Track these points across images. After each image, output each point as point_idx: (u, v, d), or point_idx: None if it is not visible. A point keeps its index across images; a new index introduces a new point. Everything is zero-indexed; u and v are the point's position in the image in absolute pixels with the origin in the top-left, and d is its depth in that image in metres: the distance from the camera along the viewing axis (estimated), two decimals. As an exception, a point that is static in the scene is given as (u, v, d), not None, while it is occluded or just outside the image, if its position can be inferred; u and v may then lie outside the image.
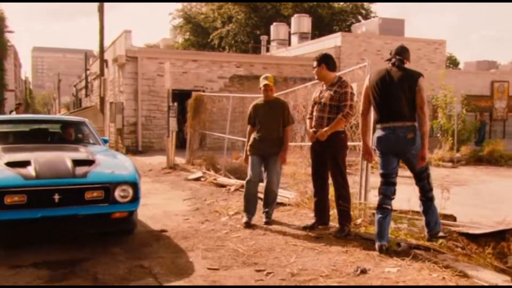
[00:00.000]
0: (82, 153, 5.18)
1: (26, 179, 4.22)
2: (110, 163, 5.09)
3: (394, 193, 4.53)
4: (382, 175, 4.55)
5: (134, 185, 4.56)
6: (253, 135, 5.81)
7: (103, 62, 20.06)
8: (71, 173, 4.39)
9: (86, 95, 29.16)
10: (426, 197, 4.65)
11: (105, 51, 20.47)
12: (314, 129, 5.22)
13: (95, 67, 25.04)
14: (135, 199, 4.57)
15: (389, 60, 4.62)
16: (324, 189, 5.38)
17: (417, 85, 4.38)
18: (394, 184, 4.52)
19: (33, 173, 4.30)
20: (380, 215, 4.48)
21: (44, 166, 4.43)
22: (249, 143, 5.81)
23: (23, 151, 5.15)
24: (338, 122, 5.02)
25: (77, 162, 4.62)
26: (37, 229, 4.33)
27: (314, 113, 5.26)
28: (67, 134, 6.48)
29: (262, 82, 5.71)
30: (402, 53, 4.63)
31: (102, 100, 20.16)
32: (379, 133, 4.53)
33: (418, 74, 4.49)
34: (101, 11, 19.65)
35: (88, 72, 28.99)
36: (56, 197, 4.24)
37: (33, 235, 4.46)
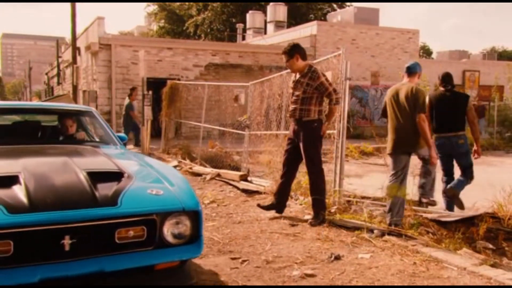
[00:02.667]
0: (100, 160, 3.42)
1: (11, 212, 2.39)
2: (148, 176, 3.21)
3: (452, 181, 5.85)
4: (443, 170, 5.92)
5: (196, 215, 2.81)
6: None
7: (75, 50, 19.62)
8: (91, 198, 2.60)
9: (58, 83, 28.53)
10: (466, 180, 5.78)
11: (77, 38, 20.00)
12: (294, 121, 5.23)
13: (67, 55, 24.50)
14: (196, 238, 2.82)
15: (443, 86, 5.90)
16: (289, 177, 5.42)
17: (468, 106, 5.74)
18: (452, 174, 5.90)
19: (23, 199, 2.50)
20: (446, 198, 5.85)
21: (43, 185, 2.64)
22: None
23: (5, 157, 3.32)
24: (332, 111, 5.12)
25: (96, 177, 2.83)
26: None
27: (290, 104, 5.27)
28: (67, 129, 4.55)
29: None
30: (451, 80, 5.93)
31: (75, 88, 19.75)
32: (438, 141, 5.74)
33: (467, 96, 5.95)
34: (72, -3, 19.16)
35: (60, 59, 28.34)
36: (67, 241, 2.44)
37: None
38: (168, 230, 2.72)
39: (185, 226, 2.77)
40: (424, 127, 4.77)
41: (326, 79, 5.08)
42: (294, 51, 5.07)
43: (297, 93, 5.12)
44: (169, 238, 2.72)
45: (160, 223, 2.68)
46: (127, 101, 12.83)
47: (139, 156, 4.08)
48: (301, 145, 5.13)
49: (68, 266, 2.44)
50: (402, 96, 4.88)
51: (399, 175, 4.85)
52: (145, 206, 2.69)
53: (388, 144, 5.02)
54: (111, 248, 2.57)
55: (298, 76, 5.18)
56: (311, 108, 5.06)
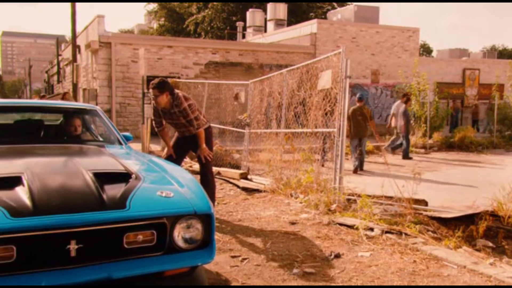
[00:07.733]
0: (106, 160, 3.29)
1: (14, 216, 2.26)
2: (156, 177, 3.09)
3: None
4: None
5: (208, 218, 2.67)
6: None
7: (75, 48, 19.63)
8: (98, 200, 2.47)
9: (59, 82, 28.55)
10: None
11: (77, 36, 20.02)
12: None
13: (67, 53, 24.51)
14: (208, 242, 2.68)
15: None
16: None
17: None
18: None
19: (27, 201, 2.37)
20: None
21: (47, 187, 2.52)
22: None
23: (7, 157, 3.20)
24: (200, 134, 5.23)
25: (102, 178, 2.70)
26: None
27: (175, 128, 5.39)
28: (71, 128, 4.39)
29: None
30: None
31: (75, 86, 19.78)
32: None
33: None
34: (72, -5, 19.14)
35: (60, 58, 28.35)
36: (73, 247, 2.32)
37: None
38: (179, 234, 2.58)
39: (196, 230, 2.63)
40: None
41: (190, 105, 5.10)
42: (164, 88, 5.01)
43: (179, 122, 5.21)
44: (180, 243, 2.58)
45: (170, 227, 2.54)
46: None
47: (146, 156, 3.91)
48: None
49: (74, 273, 2.30)
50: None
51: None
52: (155, 209, 2.54)
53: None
54: (119, 253, 2.43)
55: (167, 109, 5.14)
56: (198, 122, 5.21)
